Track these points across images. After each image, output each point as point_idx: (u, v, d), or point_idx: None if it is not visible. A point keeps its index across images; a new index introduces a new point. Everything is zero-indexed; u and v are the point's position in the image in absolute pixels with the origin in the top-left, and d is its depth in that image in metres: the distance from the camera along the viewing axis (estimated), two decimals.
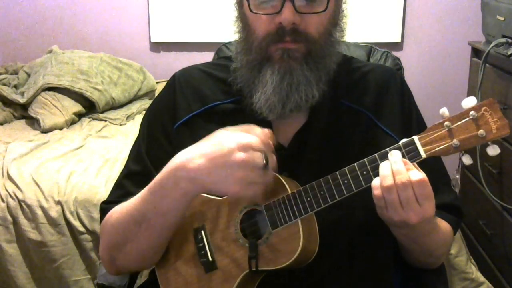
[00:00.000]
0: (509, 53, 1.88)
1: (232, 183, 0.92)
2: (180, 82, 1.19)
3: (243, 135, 0.94)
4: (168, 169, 0.99)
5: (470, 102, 0.92)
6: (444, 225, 1.11)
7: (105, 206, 1.16)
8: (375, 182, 0.93)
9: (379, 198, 0.93)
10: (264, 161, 0.92)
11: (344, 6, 1.13)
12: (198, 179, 0.95)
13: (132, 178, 1.16)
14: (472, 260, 1.94)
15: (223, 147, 0.93)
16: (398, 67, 1.55)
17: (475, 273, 1.90)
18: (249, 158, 0.91)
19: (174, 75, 1.21)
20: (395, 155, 0.93)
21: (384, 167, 0.93)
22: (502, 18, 1.96)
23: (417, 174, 0.91)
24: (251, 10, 1.05)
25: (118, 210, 1.10)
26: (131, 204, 1.06)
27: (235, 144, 0.92)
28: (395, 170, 0.92)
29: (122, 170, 1.20)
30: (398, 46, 2.95)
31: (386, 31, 2.91)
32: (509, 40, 1.90)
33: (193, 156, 0.96)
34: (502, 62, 2.02)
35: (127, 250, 1.09)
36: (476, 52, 2.36)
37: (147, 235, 1.05)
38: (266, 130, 0.97)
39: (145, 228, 1.04)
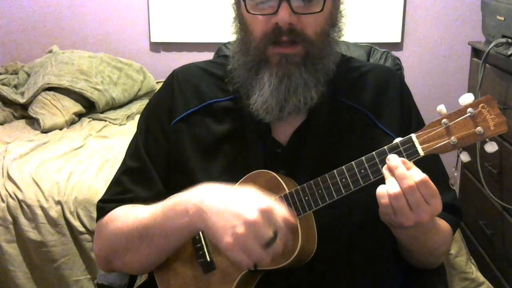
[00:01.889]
0: (509, 53, 1.88)
1: (228, 234, 0.89)
2: (178, 79, 1.19)
3: (270, 201, 0.91)
4: (186, 194, 0.99)
5: (467, 99, 0.91)
6: (443, 224, 1.11)
7: (103, 205, 1.16)
8: (381, 190, 0.92)
9: (386, 206, 0.92)
10: (271, 237, 0.89)
11: (342, 6, 1.13)
12: (205, 214, 0.93)
13: (130, 174, 1.16)
14: (472, 260, 1.93)
15: (244, 199, 0.91)
16: (398, 67, 1.55)
17: (475, 273, 1.90)
18: (260, 223, 0.88)
19: (172, 72, 1.22)
20: (393, 160, 0.92)
21: (387, 174, 0.92)
22: (502, 18, 1.96)
23: (419, 174, 0.91)
24: (248, 11, 1.05)
25: (122, 218, 1.09)
26: (138, 217, 1.06)
27: (257, 203, 0.90)
28: (399, 175, 0.91)
29: (120, 167, 1.20)
30: (398, 46, 2.94)
31: (386, 31, 2.91)
32: (509, 40, 1.90)
33: (214, 192, 0.96)
34: (502, 62, 2.02)
35: (126, 259, 1.09)
36: (476, 52, 2.35)
37: (148, 251, 1.06)
38: (293, 219, 0.93)
39: (147, 245, 1.05)
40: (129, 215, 1.09)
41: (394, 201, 0.91)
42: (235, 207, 0.90)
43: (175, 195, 1.02)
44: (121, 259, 1.10)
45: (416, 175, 0.91)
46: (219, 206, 0.92)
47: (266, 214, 0.89)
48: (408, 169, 0.91)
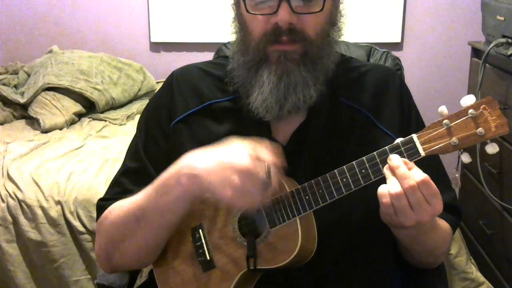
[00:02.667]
0: (509, 53, 1.88)
1: (227, 187, 0.92)
2: (178, 80, 1.19)
3: (253, 145, 0.94)
4: (174, 166, 1.00)
5: (469, 100, 0.92)
6: (443, 224, 1.11)
7: (102, 204, 1.16)
8: (382, 190, 0.93)
9: (388, 206, 0.93)
10: (267, 177, 0.92)
11: (341, 6, 1.13)
12: (198, 177, 0.95)
13: (129, 175, 1.17)
14: (472, 260, 1.94)
15: (230, 151, 0.94)
16: (398, 67, 1.55)
17: (475, 273, 1.90)
18: (252, 167, 0.91)
19: (172, 73, 1.22)
20: (395, 160, 0.92)
21: (389, 173, 0.92)
22: (502, 18, 1.96)
23: (420, 174, 0.91)
24: (247, 11, 1.05)
25: (118, 207, 1.10)
26: (132, 201, 1.07)
27: (242, 151, 0.93)
28: (400, 175, 0.91)
29: (120, 168, 1.21)
30: (398, 46, 2.94)
31: (386, 31, 2.91)
32: (509, 40, 1.90)
33: (200, 156, 0.98)
34: (502, 62, 2.02)
35: (124, 248, 1.09)
36: (476, 52, 2.35)
37: (145, 233, 1.06)
38: (277, 146, 0.97)
39: (144, 226, 1.05)
40: (124, 203, 1.10)
41: (395, 201, 0.91)
42: (225, 160, 0.93)
43: (163, 173, 1.03)
44: (120, 249, 1.10)
45: (417, 175, 0.91)
46: (209, 165, 0.94)
47: (256, 157, 0.92)
48: (409, 169, 0.91)
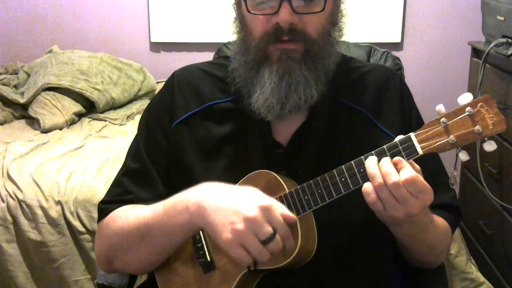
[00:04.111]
0: (509, 53, 1.88)
1: (227, 231, 0.90)
2: (179, 80, 1.19)
3: (269, 199, 0.93)
4: (187, 192, 1.00)
5: (466, 98, 0.92)
6: (442, 222, 1.11)
7: (104, 207, 1.16)
8: (366, 187, 0.92)
9: (374, 202, 0.92)
10: (269, 236, 0.90)
11: (342, 6, 1.13)
12: (205, 210, 0.95)
13: (131, 176, 1.16)
14: (472, 260, 1.94)
15: (244, 196, 0.93)
16: (398, 67, 1.55)
17: (475, 273, 1.90)
18: (260, 219, 0.90)
19: (173, 74, 1.22)
20: (382, 160, 0.92)
21: (371, 168, 0.92)
22: (502, 18, 1.96)
23: (406, 173, 0.90)
24: (248, 11, 1.05)
25: (123, 218, 1.10)
26: (139, 216, 1.06)
27: (257, 200, 0.91)
28: (384, 172, 0.91)
29: (121, 168, 1.20)
30: (398, 46, 2.95)
31: (386, 31, 2.91)
32: (509, 40, 1.90)
33: (214, 190, 0.97)
34: (502, 62, 2.02)
35: (126, 259, 1.10)
36: (476, 52, 2.36)
37: (149, 250, 1.06)
38: (293, 216, 0.94)
39: (148, 243, 1.05)
40: (130, 215, 1.09)
41: (380, 194, 0.91)
42: (235, 204, 0.92)
43: (176, 194, 1.02)
44: (122, 258, 1.10)
45: (404, 173, 0.90)
46: (218, 203, 0.94)
47: (266, 211, 0.91)
48: (401, 168, 0.91)
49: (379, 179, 0.91)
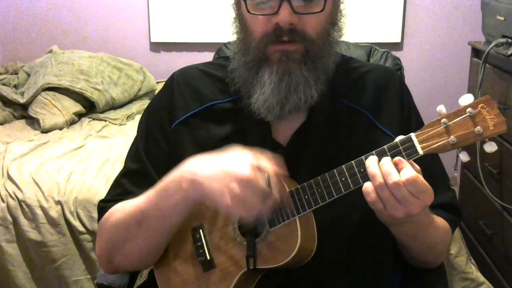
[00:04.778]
0: (509, 53, 1.88)
1: (226, 195, 0.92)
2: (178, 81, 1.19)
3: (255, 155, 0.94)
4: (176, 171, 1.01)
5: (467, 99, 0.92)
6: (441, 222, 1.11)
7: (103, 205, 1.16)
8: (366, 187, 0.92)
9: (374, 202, 0.92)
10: (267, 187, 0.91)
11: (342, 6, 1.13)
12: (199, 183, 0.96)
13: (130, 176, 1.17)
14: (472, 260, 1.93)
15: (231, 159, 0.94)
16: (398, 67, 1.55)
17: (475, 273, 1.90)
18: (252, 176, 0.91)
19: (172, 75, 1.22)
20: (383, 160, 0.92)
21: (372, 168, 0.92)
22: (502, 18, 1.96)
23: (407, 173, 0.90)
24: (248, 11, 1.05)
25: (120, 209, 1.11)
26: (134, 204, 1.07)
27: (244, 159, 0.93)
28: (384, 171, 0.91)
29: (121, 169, 1.20)
30: (398, 46, 2.95)
31: (386, 31, 2.91)
32: (509, 40, 1.90)
33: (202, 162, 0.98)
34: (502, 62, 2.02)
35: (125, 250, 1.09)
36: (476, 52, 2.36)
37: (147, 236, 1.06)
38: (279, 157, 0.97)
39: (145, 229, 1.05)
40: (125, 206, 1.10)
41: (380, 193, 0.91)
42: (227, 168, 0.93)
43: (165, 176, 1.03)
44: (121, 251, 1.10)
45: (404, 173, 0.90)
46: (211, 171, 0.95)
47: (257, 168, 0.92)
48: (402, 168, 0.91)
49: (380, 179, 0.91)
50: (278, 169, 0.95)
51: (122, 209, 1.10)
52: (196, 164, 0.98)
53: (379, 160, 0.93)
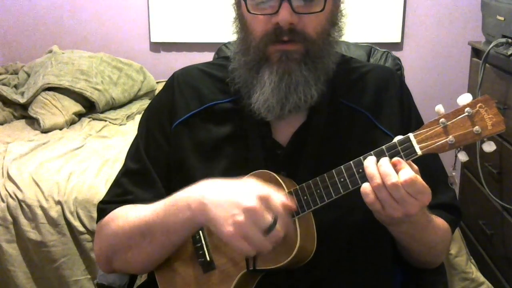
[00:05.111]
0: (509, 53, 1.88)
1: (229, 224, 0.91)
2: (179, 81, 1.19)
3: (267, 189, 0.93)
4: (186, 190, 1.00)
5: (465, 99, 0.92)
6: (441, 222, 1.11)
7: (103, 207, 1.16)
8: (365, 188, 0.92)
9: (373, 203, 0.92)
10: (271, 223, 0.90)
11: (342, 6, 1.13)
12: (205, 206, 0.95)
13: (130, 176, 1.16)
14: (472, 260, 1.94)
15: (240, 190, 0.93)
16: (398, 67, 1.55)
17: (475, 273, 1.90)
18: (259, 209, 0.90)
19: (173, 75, 1.22)
20: (381, 160, 0.92)
21: (370, 168, 0.92)
22: (502, 18, 1.96)
23: (405, 174, 0.90)
24: (248, 11, 1.05)
25: (123, 217, 1.10)
26: (139, 214, 1.07)
27: (255, 191, 0.92)
28: (382, 172, 0.91)
29: (121, 169, 1.20)
30: (398, 46, 2.95)
31: (386, 31, 2.91)
32: (509, 40, 1.90)
33: (213, 186, 0.97)
34: (502, 62, 2.02)
35: (127, 257, 1.10)
36: (476, 52, 2.36)
37: (150, 248, 1.06)
38: (292, 203, 0.95)
39: (149, 242, 1.05)
40: (130, 214, 1.09)
41: (378, 194, 0.91)
42: (234, 196, 0.92)
43: (176, 193, 1.02)
44: (122, 258, 1.10)
45: (403, 174, 0.90)
46: (218, 198, 0.94)
47: (264, 201, 0.91)
48: (400, 169, 0.91)
49: (378, 180, 0.91)
50: (288, 204, 0.93)
51: (125, 216, 1.09)
52: (206, 188, 0.98)
53: (378, 161, 0.93)
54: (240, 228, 0.90)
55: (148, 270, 1.15)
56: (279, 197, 0.93)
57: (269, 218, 0.90)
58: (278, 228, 0.91)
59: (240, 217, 0.90)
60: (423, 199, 0.92)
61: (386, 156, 0.93)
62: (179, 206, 0.99)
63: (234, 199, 0.92)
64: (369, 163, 0.93)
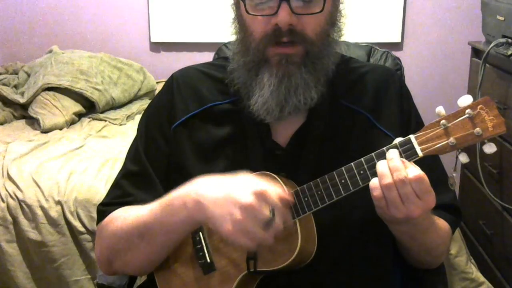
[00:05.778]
0: (509, 53, 1.87)
1: (227, 222, 0.91)
2: (178, 82, 1.19)
3: (263, 183, 0.93)
4: (182, 189, 1.00)
5: (466, 100, 0.92)
6: (442, 223, 1.12)
7: (103, 209, 1.16)
8: (374, 183, 0.93)
9: (379, 199, 0.93)
10: (269, 217, 0.90)
11: (341, 6, 1.13)
12: (202, 205, 0.95)
13: (130, 178, 1.16)
14: (472, 260, 1.94)
15: (236, 186, 0.93)
16: (398, 67, 1.55)
17: (475, 273, 1.90)
18: (256, 205, 0.90)
19: (172, 76, 1.21)
20: (392, 153, 0.93)
21: (381, 166, 0.92)
22: (502, 18, 1.96)
23: (414, 171, 0.91)
24: (247, 12, 1.05)
25: (122, 218, 1.10)
26: (137, 214, 1.06)
27: (250, 187, 0.92)
28: (392, 167, 0.91)
29: (120, 170, 1.20)
30: (398, 46, 2.94)
31: (386, 31, 2.91)
32: (509, 40, 1.90)
33: (209, 184, 0.97)
34: (502, 62, 2.02)
35: (126, 258, 1.10)
36: (476, 52, 2.35)
37: (149, 249, 1.06)
38: (287, 190, 0.96)
39: (147, 242, 1.05)
40: (128, 215, 1.09)
41: (386, 192, 0.91)
42: (230, 193, 0.92)
43: (172, 192, 1.02)
44: (122, 259, 1.10)
45: (411, 171, 0.91)
46: (215, 195, 0.94)
47: (261, 195, 0.91)
48: (405, 167, 0.91)
49: (388, 178, 0.91)
50: (285, 196, 0.93)
51: (124, 217, 1.09)
52: (202, 185, 0.97)
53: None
54: (239, 225, 0.90)
55: (148, 271, 1.15)
56: (275, 190, 0.93)
57: (266, 212, 0.91)
58: (277, 221, 0.92)
59: (238, 214, 0.90)
60: (428, 200, 0.92)
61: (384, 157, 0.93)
62: (176, 206, 0.99)
63: (230, 196, 0.92)
64: (381, 162, 0.93)
